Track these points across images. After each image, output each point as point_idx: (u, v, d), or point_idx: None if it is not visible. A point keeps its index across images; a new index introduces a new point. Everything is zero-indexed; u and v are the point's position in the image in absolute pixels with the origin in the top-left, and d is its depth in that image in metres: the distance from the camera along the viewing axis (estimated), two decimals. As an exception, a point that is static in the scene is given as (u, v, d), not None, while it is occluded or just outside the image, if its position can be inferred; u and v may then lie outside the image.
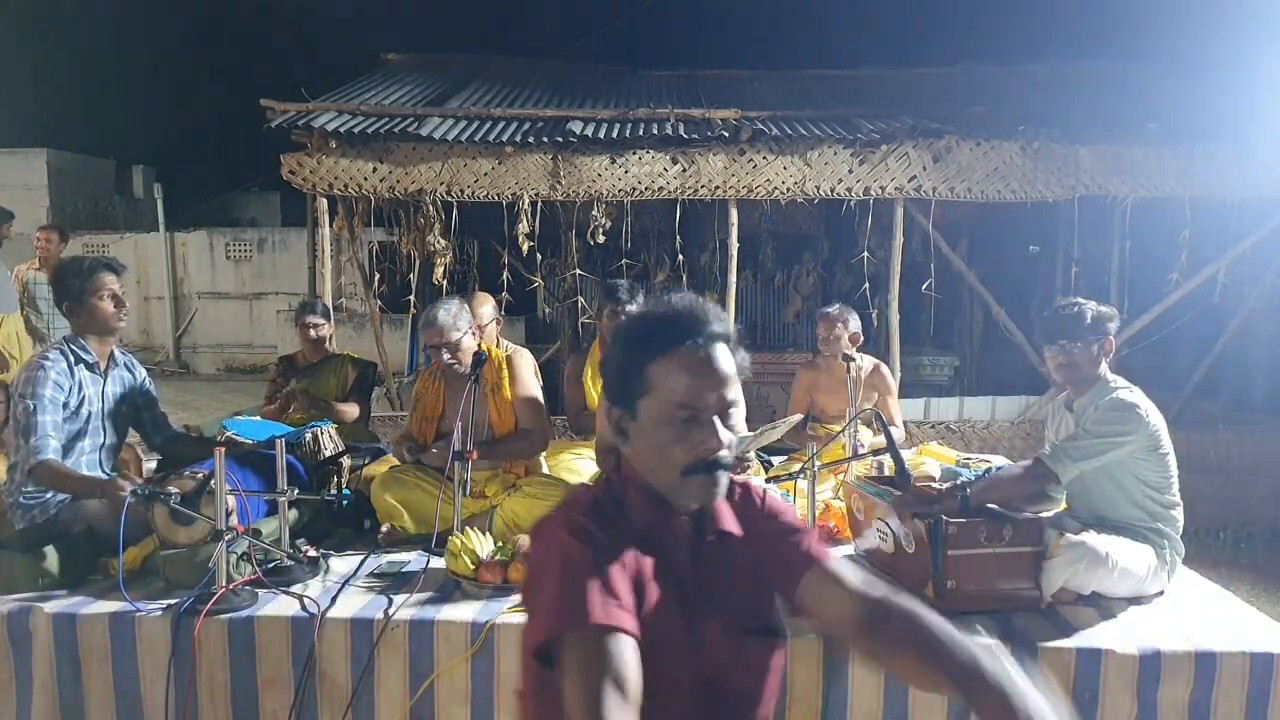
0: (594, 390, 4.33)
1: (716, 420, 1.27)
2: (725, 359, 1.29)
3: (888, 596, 1.29)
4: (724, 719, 1.33)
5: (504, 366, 3.39)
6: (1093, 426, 2.68)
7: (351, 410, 4.47)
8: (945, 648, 1.17)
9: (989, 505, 2.65)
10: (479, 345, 3.46)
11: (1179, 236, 6.18)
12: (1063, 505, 3.00)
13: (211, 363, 15.92)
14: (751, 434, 3.03)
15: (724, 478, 1.30)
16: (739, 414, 1.32)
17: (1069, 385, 2.85)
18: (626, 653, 1.12)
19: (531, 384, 3.45)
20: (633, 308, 4.10)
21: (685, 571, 1.32)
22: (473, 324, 3.41)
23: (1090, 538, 2.57)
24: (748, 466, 3.13)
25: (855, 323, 4.26)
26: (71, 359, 2.95)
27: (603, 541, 1.24)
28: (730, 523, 1.39)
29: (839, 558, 1.40)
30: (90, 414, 2.97)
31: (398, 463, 3.62)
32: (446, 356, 3.24)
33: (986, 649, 1.16)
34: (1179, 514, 2.75)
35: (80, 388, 2.94)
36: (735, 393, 1.30)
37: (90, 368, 2.99)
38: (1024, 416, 6.60)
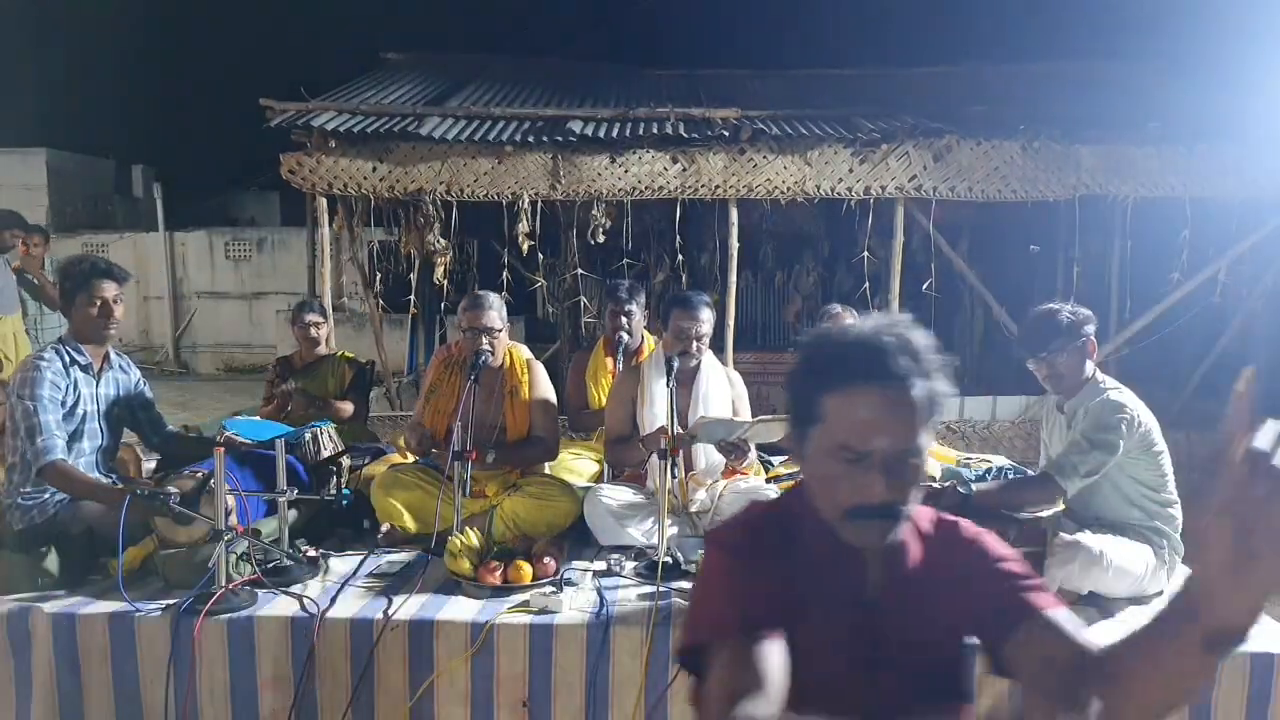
0: (596, 390, 4.33)
1: (884, 468, 1.13)
2: (905, 403, 1.12)
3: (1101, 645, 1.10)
4: None
5: (525, 370, 3.41)
6: (1091, 433, 2.67)
7: (347, 407, 4.47)
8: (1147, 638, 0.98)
9: (994, 508, 2.66)
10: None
11: (1179, 236, 6.18)
12: (1060, 506, 3.00)
13: (211, 363, 15.90)
14: (752, 420, 3.03)
15: (891, 526, 1.16)
16: (919, 461, 1.16)
17: (1058, 393, 2.87)
18: (759, 653, 1.08)
19: (549, 389, 3.47)
20: (633, 308, 4.11)
21: (858, 612, 1.20)
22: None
23: (1085, 538, 2.57)
24: (746, 454, 3.12)
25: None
26: (66, 360, 2.94)
27: (746, 553, 1.21)
28: (919, 561, 1.25)
29: (1064, 609, 1.19)
30: (85, 415, 2.97)
31: (398, 462, 3.61)
32: (485, 342, 3.24)
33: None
34: (1177, 512, 2.76)
35: (75, 388, 2.94)
36: (913, 439, 1.14)
37: (84, 369, 2.99)
38: (1024, 416, 6.60)
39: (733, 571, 1.19)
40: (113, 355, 3.15)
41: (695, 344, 3.23)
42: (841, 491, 1.16)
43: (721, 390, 3.38)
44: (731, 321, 6.55)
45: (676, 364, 3.15)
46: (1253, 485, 0.81)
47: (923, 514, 1.29)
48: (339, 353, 4.78)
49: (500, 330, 3.30)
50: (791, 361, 1.27)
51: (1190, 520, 1.01)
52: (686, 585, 2.62)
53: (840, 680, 1.19)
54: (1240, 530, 0.82)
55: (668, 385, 3.17)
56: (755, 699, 1.03)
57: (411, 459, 3.60)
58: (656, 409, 3.24)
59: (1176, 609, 0.92)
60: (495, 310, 3.29)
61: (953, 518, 1.33)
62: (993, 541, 1.29)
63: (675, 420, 3.15)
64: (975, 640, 1.25)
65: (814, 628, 1.18)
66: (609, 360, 4.29)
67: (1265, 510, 0.80)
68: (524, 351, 3.54)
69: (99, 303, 2.97)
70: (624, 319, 4.13)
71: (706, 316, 3.25)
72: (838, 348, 1.18)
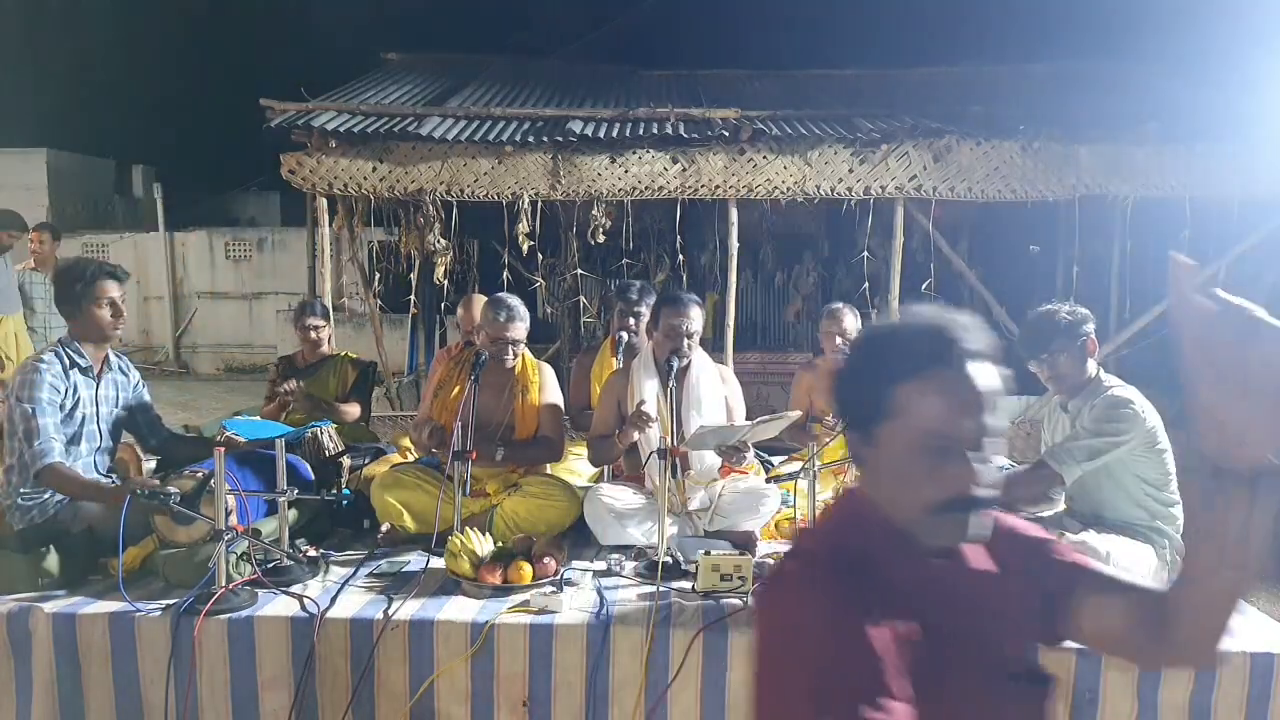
0: (599, 389, 4.33)
1: (975, 452, 1.09)
2: (986, 381, 1.11)
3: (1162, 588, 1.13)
4: None
5: (536, 372, 3.44)
6: (1092, 425, 2.69)
7: (353, 410, 4.47)
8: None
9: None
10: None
11: (1179, 236, 6.18)
12: (1062, 506, 3.00)
13: (211, 363, 15.91)
14: (749, 424, 3.03)
15: (982, 518, 1.11)
16: (998, 444, 1.13)
17: (1061, 392, 2.89)
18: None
19: (558, 395, 3.51)
20: (643, 309, 4.10)
21: (939, 619, 1.13)
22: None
23: (1090, 538, 2.57)
24: (744, 455, 3.12)
25: (856, 321, 4.26)
26: (66, 362, 2.94)
27: (851, 602, 1.06)
28: (982, 559, 1.20)
29: (1092, 561, 1.23)
30: (84, 417, 2.97)
31: (398, 461, 3.62)
32: (509, 352, 3.27)
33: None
34: (1179, 512, 2.76)
35: (74, 391, 2.94)
36: (995, 419, 1.11)
37: (84, 371, 2.99)
38: (1024, 416, 6.57)
39: (839, 624, 1.05)
40: (112, 357, 3.14)
41: (686, 342, 3.22)
42: (929, 486, 1.09)
43: (714, 388, 3.38)
44: (731, 321, 6.56)
45: (676, 365, 3.16)
46: (1219, 330, 0.92)
47: None
48: (343, 353, 4.78)
49: (523, 342, 3.34)
50: (845, 364, 1.21)
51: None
52: (686, 585, 2.62)
53: (932, 693, 1.09)
54: (1220, 375, 0.93)
55: (668, 387, 3.17)
56: None
57: (412, 458, 3.60)
58: (646, 409, 3.24)
59: (1203, 487, 0.99)
60: (522, 322, 3.31)
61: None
62: (1009, 518, 1.28)
63: (674, 421, 3.16)
64: (1039, 622, 1.22)
65: (919, 652, 1.08)
66: (615, 360, 4.29)
67: (1237, 352, 0.91)
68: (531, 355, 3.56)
69: (108, 303, 2.97)
70: (632, 320, 4.12)
71: (696, 314, 3.25)
72: (904, 337, 1.14)
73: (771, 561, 2.84)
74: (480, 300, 4.35)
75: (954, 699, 1.10)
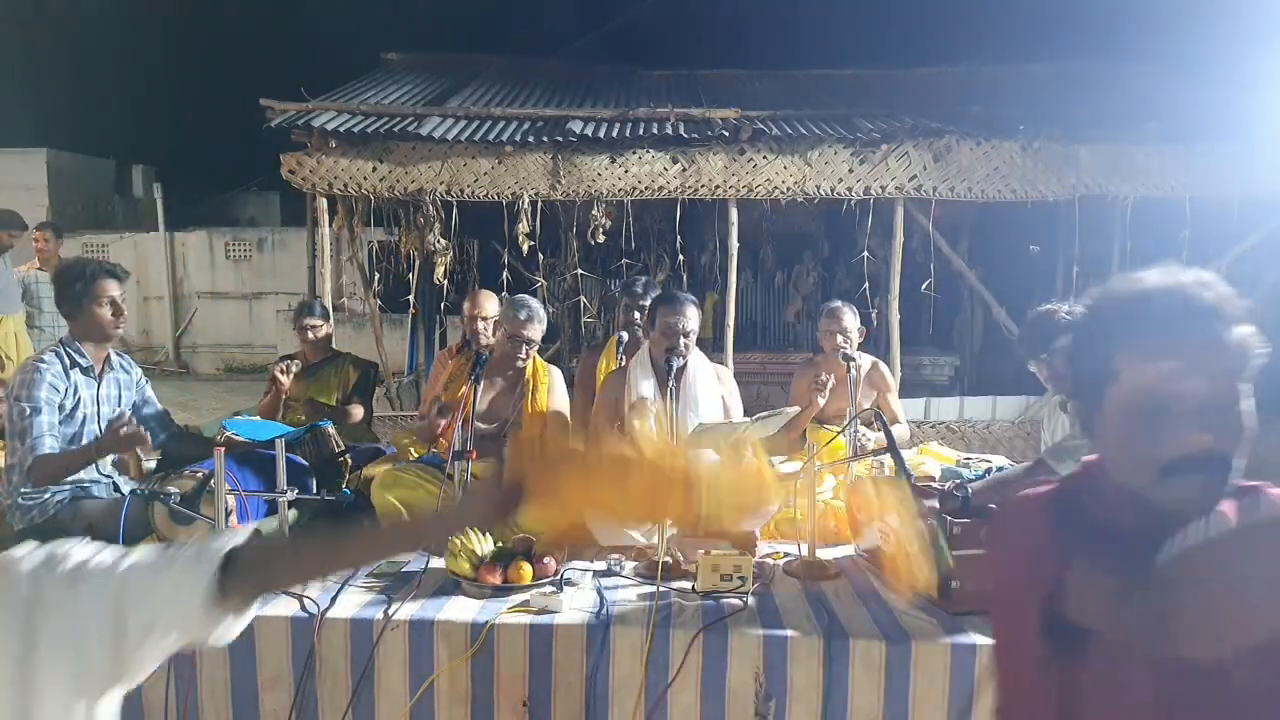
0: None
1: (1206, 412, 1.05)
2: (1212, 337, 1.06)
3: None
4: None
5: (546, 374, 3.50)
6: None
7: (356, 412, 4.48)
8: None
9: (990, 505, 2.66)
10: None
11: (1179, 236, 6.18)
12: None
13: (211, 363, 15.91)
14: (748, 421, 3.03)
15: (1218, 479, 1.06)
16: (1238, 409, 1.07)
17: (1061, 392, 2.90)
18: None
19: (565, 397, 3.56)
20: (648, 304, 4.10)
21: (1167, 590, 1.07)
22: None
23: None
24: (743, 454, 3.12)
25: (855, 320, 4.26)
26: (67, 362, 2.94)
27: (1079, 539, 1.08)
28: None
29: None
30: (85, 417, 2.97)
31: (398, 461, 3.62)
32: (523, 351, 3.35)
33: None
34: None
35: (75, 391, 2.94)
36: (1223, 381, 1.06)
37: (85, 371, 2.99)
38: (1024, 416, 6.60)
39: (1046, 548, 1.10)
40: (113, 356, 3.15)
41: (682, 341, 3.23)
42: (1158, 450, 1.06)
43: (710, 388, 3.38)
44: (731, 321, 6.56)
45: (675, 365, 3.16)
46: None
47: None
48: (346, 354, 4.78)
49: (538, 343, 3.41)
50: (1073, 333, 1.21)
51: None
52: (686, 585, 2.62)
53: (1141, 677, 1.06)
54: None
55: (668, 387, 3.18)
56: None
57: (414, 455, 3.61)
58: (645, 397, 3.25)
59: None
60: (541, 324, 3.39)
61: (1254, 486, 1.20)
62: None
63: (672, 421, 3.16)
64: None
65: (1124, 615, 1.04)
66: (620, 358, 4.29)
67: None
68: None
69: (108, 301, 2.97)
70: (636, 314, 4.14)
71: (692, 314, 3.26)
72: (1127, 299, 1.12)
73: (771, 562, 2.84)
74: (486, 294, 4.36)
75: (1172, 669, 1.04)
